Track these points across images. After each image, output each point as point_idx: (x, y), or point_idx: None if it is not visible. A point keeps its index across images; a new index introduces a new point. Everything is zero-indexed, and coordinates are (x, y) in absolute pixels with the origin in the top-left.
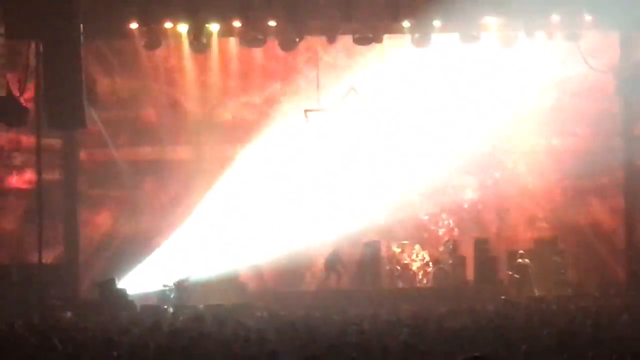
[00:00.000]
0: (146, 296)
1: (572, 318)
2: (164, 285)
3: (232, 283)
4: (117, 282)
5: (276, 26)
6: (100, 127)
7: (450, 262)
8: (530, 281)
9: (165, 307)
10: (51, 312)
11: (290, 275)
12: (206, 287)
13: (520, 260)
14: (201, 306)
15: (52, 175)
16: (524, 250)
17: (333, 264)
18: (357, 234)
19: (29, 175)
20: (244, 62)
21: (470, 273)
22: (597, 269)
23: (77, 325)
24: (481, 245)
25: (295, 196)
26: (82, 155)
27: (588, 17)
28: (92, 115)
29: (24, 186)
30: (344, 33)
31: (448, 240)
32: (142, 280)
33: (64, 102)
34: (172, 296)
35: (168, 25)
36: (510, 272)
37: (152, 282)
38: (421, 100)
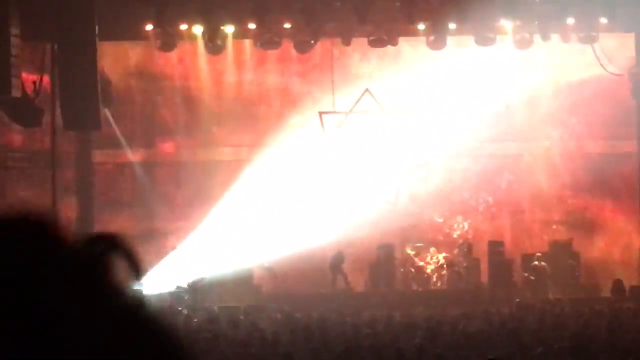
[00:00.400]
0: (160, 297)
1: (586, 321)
2: (178, 287)
3: (246, 284)
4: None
5: (291, 28)
6: (114, 127)
7: (465, 264)
8: (546, 284)
9: (180, 308)
10: None
11: (304, 276)
12: (220, 288)
13: (536, 262)
14: (215, 308)
15: (67, 177)
16: (539, 253)
17: (337, 265)
18: (372, 236)
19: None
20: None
21: (484, 276)
22: (611, 272)
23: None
24: (495, 248)
25: (310, 197)
26: (96, 156)
27: (603, 20)
28: (107, 116)
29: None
30: (359, 35)
31: (462, 243)
32: (156, 282)
33: (79, 104)
34: (186, 297)
35: (183, 27)
36: (526, 274)
37: (166, 283)
38: (435, 103)
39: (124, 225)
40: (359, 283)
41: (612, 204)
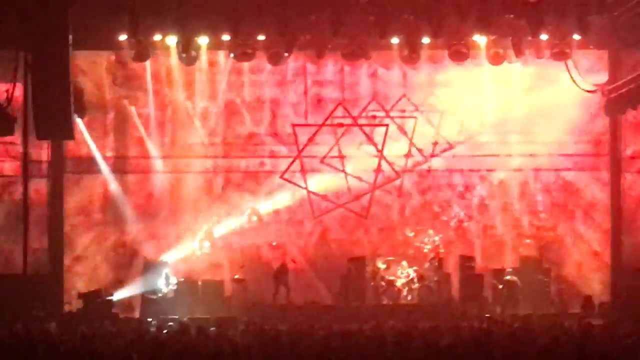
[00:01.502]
0: (131, 308)
1: (555, 337)
2: (149, 297)
3: (216, 296)
4: (101, 293)
5: (265, 40)
6: (87, 137)
7: (436, 279)
8: (516, 298)
9: (150, 319)
10: (35, 323)
11: (274, 289)
12: (191, 299)
13: (508, 277)
14: (185, 319)
15: (38, 185)
16: (509, 269)
17: (281, 277)
18: (343, 249)
19: (15, 184)
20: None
21: (455, 290)
22: (581, 288)
23: (61, 336)
24: (466, 263)
25: (282, 208)
26: (69, 165)
27: (576, 36)
28: (79, 125)
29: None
30: (333, 48)
31: (433, 257)
32: (126, 292)
33: (52, 113)
34: (156, 308)
35: (157, 37)
36: (500, 286)
37: (137, 293)
38: (408, 117)
39: (96, 235)
40: (329, 296)
41: (583, 221)
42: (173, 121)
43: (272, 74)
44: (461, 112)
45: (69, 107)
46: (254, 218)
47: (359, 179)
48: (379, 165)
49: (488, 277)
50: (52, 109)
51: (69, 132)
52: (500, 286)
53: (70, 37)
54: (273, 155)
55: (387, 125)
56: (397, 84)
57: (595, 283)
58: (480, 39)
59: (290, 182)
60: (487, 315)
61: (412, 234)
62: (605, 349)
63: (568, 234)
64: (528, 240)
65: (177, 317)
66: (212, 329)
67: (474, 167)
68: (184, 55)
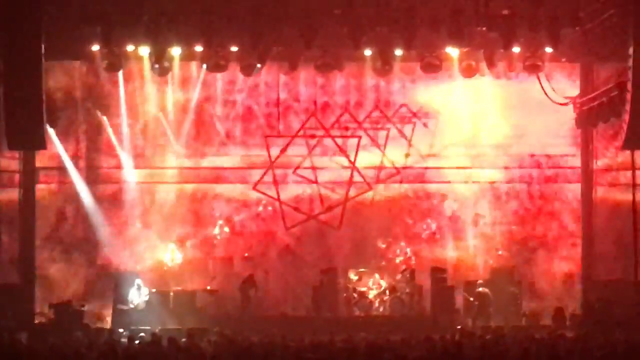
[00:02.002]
0: (102, 318)
1: (527, 349)
2: (120, 308)
3: (188, 307)
4: (72, 304)
5: (238, 51)
6: (58, 147)
7: (407, 290)
8: (488, 310)
9: (121, 330)
10: (6, 333)
11: (241, 300)
12: (162, 310)
13: (480, 289)
14: (157, 330)
15: (10, 194)
16: (481, 281)
17: (244, 287)
18: (315, 260)
19: None
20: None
21: (427, 302)
22: (552, 300)
23: (31, 346)
24: (438, 275)
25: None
26: (41, 175)
27: (548, 49)
28: (51, 135)
29: None
30: (306, 60)
31: (405, 269)
32: (99, 302)
33: (24, 122)
34: (128, 319)
35: (130, 48)
36: (471, 299)
37: (108, 303)
38: (381, 128)
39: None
40: (301, 307)
41: (555, 233)
42: (145, 132)
43: (245, 84)
44: (434, 124)
45: (41, 116)
46: (226, 229)
47: (332, 190)
48: (351, 176)
49: (459, 289)
50: (24, 118)
51: (41, 141)
52: (471, 299)
53: (43, 46)
54: (249, 167)
55: (359, 136)
56: (371, 95)
57: (566, 295)
58: (453, 51)
59: (262, 193)
60: (458, 327)
61: (384, 246)
62: None
63: (540, 245)
64: (500, 252)
65: (148, 327)
66: (184, 340)
67: (446, 179)
68: (156, 65)
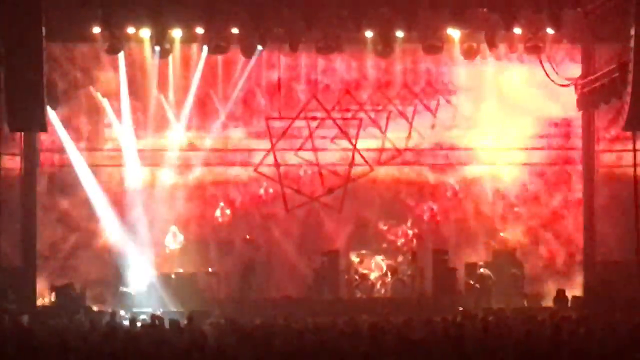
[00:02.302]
0: (104, 301)
1: (528, 331)
2: (121, 290)
3: (190, 289)
4: (74, 286)
5: (239, 33)
6: (58, 130)
7: (409, 272)
8: (489, 292)
9: (123, 312)
10: (7, 316)
11: (242, 284)
12: (164, 293)
13: (481, 270)
14: (159, 312)
15: (11, 178)
16: (482, 262)
17: (244, 272)
18: (317, 242)
19: None
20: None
21: (428, 284)
22: (554, 281)
23: (33, 329)
24: (440, 257)
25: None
26: (42, 158)
27: (550, 30)
28: (52, 118)
29: None
30: (307, 42)
31: (407, 251)
32: (101, 284)
33: (25, 105)
34: (129, 302)
35: (131, 30)
36: (471, 282)
37: (111, 286)
38: (381, 110)
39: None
40: (303, 290)
41: (558, 215)
42: (146, 114)
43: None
44: (436, 105)
45: (42, 98)
46: (227, 211)
47: (334, 172)
48: (353, 158)
49: (461, 270)
50: (25, 100)
51: (42, 123)
52: (472, 282)
53: (44, 29)
54: (248, 149)
55: (360, 119)
56: (372, 77)
57: (568, 276)
58: (454, 33)
59: (263, 175)
60: (460, 308)
61: (385, 228)
62: (578, 342)
63: (542, 227)
64: (502, 234)
65: (150, 310)
66: (186, 322)
67: (448, 161)
68: (157, 47)
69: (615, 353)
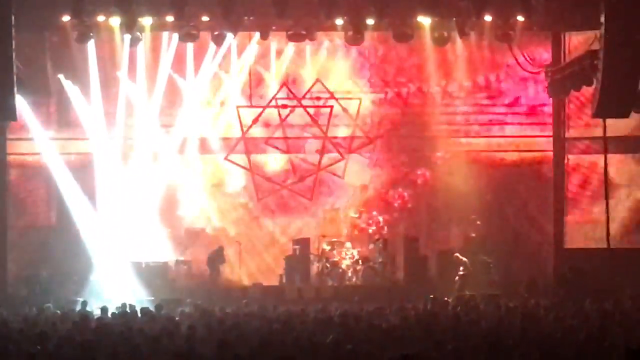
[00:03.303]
0: (76, 289)
1: (500, 317)
2: (93, 279)
3: (161, 278)
4: (45, 275)
5: (209, 21)
6: (30, 118)
7: (380, 260)
8: (464, 280)
9: (94, 300)
10: None
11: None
12: (135, 281)
13: (458, 254)
14: (130, 301)
15: None
16: (454, 249)
17: (213, 260)
18: (288, 230)
19: None
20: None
21: (400, 271)
22: (525, 269)
23: (4, 319)
24: (411, 244)
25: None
26: (10, 146)
27: (520, 18)
28: (21, 107)
29: None
30: (278, 29)
31: (378, 239)
32: (71, 273)
33: None
34: (100, 290)
35: (101, 18)
36: (461, 270)
37: (82, 274)
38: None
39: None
40: (274, 277)
41: (529, 202)
42: (116, 101)
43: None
44: (406, 92)
45: (12, 88)
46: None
47: (304, 160)
48: (324, 146)
49: (432, 258)
50: None
51: (11, 113)
52: (461, 270)
53: (13, 17)
54: (221, 137)
55: (331, 106)
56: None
57: (538, 264)
58: (425, 20)
59: (234, 163)
60: (431, 296)
61: (356, 215)
62: (548, 329)
63: (513, 215)
64: (473, 222)
65: (121, 299)
66: (157, 311)
67: (419, 148)
68: (127, 36)
69: (585, 340)
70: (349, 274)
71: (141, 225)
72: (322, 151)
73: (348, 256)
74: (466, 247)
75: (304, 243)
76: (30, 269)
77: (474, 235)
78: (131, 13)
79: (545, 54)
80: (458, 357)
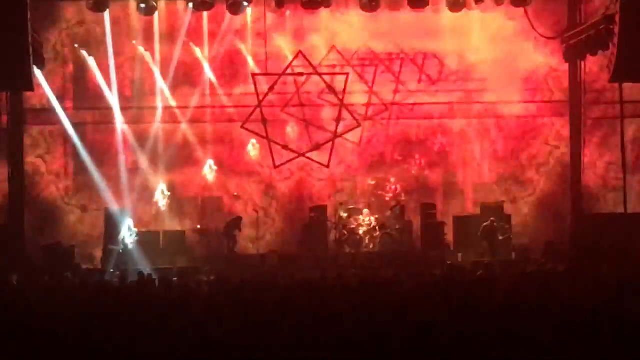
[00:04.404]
0: (93, 259)
1: (517, 283)
2: (110, 248)
3: (178, 247)
4: (63, 245)
5: None
6: (46, 88)
7: (397, 227)
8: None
9: (112, 270)
10: None
11: (225, 240)
12: (152, 250)
13: (487, 223)
14: (148, 270)
15: None
16: (470, 215)
17: (230, 230)
18: (305, 198)
19: None
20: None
21: (416, 238)
22: (542, 234)
23: (22, 288)
24: (428, 211)
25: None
26: (29, 117)
27: None
28: (39, 77)
29: None
30: None
31: (395, 206)
32: (89, 243)
33: (11, 64)
34: (118, 259)
35: None
36: (501, 237)
37: (100, 244)
38: (370, 63)
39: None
40: (291, 245)
41: (545, 168)
42: (132, 72)
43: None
44: (422, 60)
45: (28, 58)
46: (215, 168)
47: (320, 128)
48: (340, 113)
49: (449, 224)
50: (11, 59)
51: (28, 82)
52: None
53: None
54: (235, 105)
55: (347, 73)
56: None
57: (555, 230)
58: None
59: (251, 131)
60: (448, 262)
61: (373, 182)
62: (565, 294)
63: (529, 180)
64: (489, 188)
65: (139, 268)
66: (175, 279)
67: (435, 115)
68: (142, 5)
69: (603, 305)
70: (366, 241)
71: (158, 194)
72: (338, 118)
73: (365, 223)
74: (482, 213)
75: (321, 211)
76: (49, 238)
77: (485, 200)
78: None
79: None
80: (475, 323)
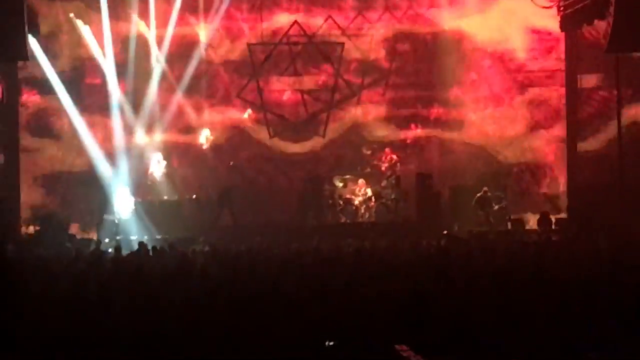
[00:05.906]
0: (88, 229)
1: (513, 253)
2: (106, 218)
3: (174, 216)
4: (58, 215)
5: None
6: (41, 57)
7: (393, 197)
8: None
9: (107, 240)
10: None
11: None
12: (149, 220)
13: (481, 193)
14: (144, 239)
15: None
16: (467, 186)
17: (223, 200)
18: (300, 167)
19: None
20: None
21: (412, 208)
22: (538, 204)
23: (18, 258)
24: (424, 181)
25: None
26: (25, 89)
27: None
28: (33, 47)
29: None
30: None
31: (391, 175)
32: (85, 213)
33: (5, 33)
34: (114, 229)
35: None
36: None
37: (95, 214)
38: (365, 33)
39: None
40: (287, 215)
41: (541, 139)
42: (127, 40)
43: None
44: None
45: (23, 27)
46: (211, 137)
47: (316, 97)
48: (335, 82)
49: (445, 194)
50: (6, 29)
51: (23, 52)
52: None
53: None
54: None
55: (342, 43)
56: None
57: (551, 199)
58: None
59: (246, 100)
60: (444, 232)
61: (369, 152)
62: (562, 264)
63: (526, 151)
64: (486, 158)
65: (135, 237)
66: (170, 249)
67: (432, 84)
68: None
69: (598, 275)
70: (362, 211)
71: (153, 163)
72: (334, 88)
73: (361, 193)
74: (478, 183)
75: (316, 180)
76: (44, 209)
77: (482, 170)
78: None
79: None
80: (470, 293)
